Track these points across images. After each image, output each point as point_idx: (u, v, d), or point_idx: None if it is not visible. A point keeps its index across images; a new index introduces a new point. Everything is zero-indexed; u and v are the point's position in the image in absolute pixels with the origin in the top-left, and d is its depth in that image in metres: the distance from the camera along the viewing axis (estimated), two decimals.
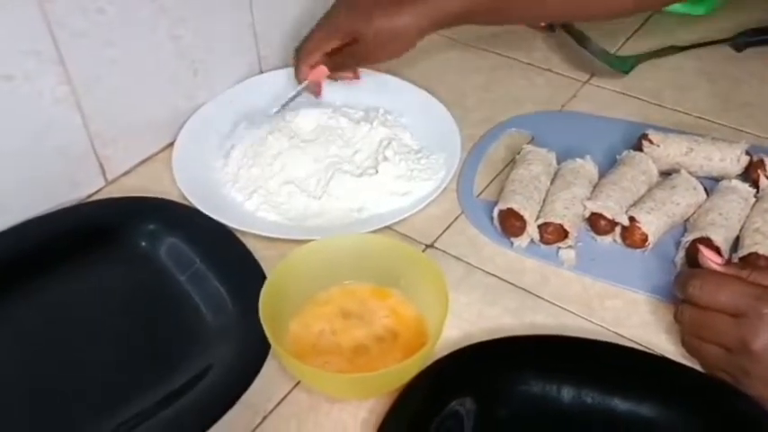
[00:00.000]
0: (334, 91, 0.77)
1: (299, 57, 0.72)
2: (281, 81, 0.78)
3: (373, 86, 0.77)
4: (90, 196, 0.68)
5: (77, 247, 0.60)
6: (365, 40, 0.67)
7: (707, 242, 0.57)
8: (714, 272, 0.51)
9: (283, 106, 0.73)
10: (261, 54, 0.79)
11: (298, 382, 0.52)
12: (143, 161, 0.71)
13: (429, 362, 0.49)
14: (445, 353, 0.51)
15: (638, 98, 0.79)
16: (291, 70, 0.80)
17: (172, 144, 0.71)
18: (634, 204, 0.62)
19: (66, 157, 0.65)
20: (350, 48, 0.70)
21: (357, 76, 0.75)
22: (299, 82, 0.74)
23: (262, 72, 0.80)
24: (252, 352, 0.52)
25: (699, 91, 0.79)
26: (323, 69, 0.72)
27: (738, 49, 0.84)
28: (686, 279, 0.51)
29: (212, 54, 0.73)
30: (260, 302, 0.50)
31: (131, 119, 0.69)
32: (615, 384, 0.50)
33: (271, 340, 0.48)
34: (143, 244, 0.61)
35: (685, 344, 0.52)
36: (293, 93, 0.74)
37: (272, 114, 0.73)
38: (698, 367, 0.52)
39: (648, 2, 0.73)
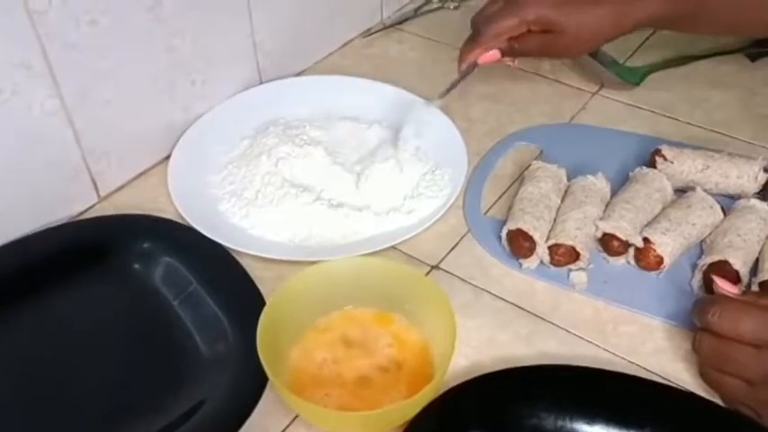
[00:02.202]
0: (335, 103, 0.75)
1: (479, 39, 0.65)
2: (280, 92, 0.76)
3: (376, 98, 0.75)
4: (82, 213, 0.65)
5: (66, 268, 0.57)
6: (564, 33, 0.63)
7: (725, 266, 0.55)
8: (735, 299, 0.49)
9: (448, 91, 0.68)
10: (260, 64, 0.77)
11: (297, 415, 0.50)
12: (138, 176, 0.69)
13: (436, 395, 0.47)
14: (453, 384, 0.49)
15: (650, 110, 0.76)
16: (291, 80, 0.79)
17: (168, 158, 0.69)
18: (648, 224, 0.59)
19: (57, 173, 0.62)
20: (537, 37, 0.64)
21: (516, 63, 0.69)
22: (468, 62, 0.66)
23: (261, 83, 0.77)
24: (248, 382, 0.49)
25: (712, 103, 0.77)
26: (496, 54, 0.66)
27: (753, 58, 0.82)
28: (705, 306, 0.49)
29: (210, 65, 0.71)
30: (258, 331, 0.47)
31: (125, 132, 0.66)
32: (631, 419, 0.47)
33: (269, 374, 0.45)
34: (135, 265, 0.58)
35: (704, 375, 0.50)
36: (459, 76, 0.68)
37: (435, 101, 0.69)
38: (718, 400, 0.49)
39: None
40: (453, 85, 0.68)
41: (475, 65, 0.67)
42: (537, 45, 0.65)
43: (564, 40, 0.64)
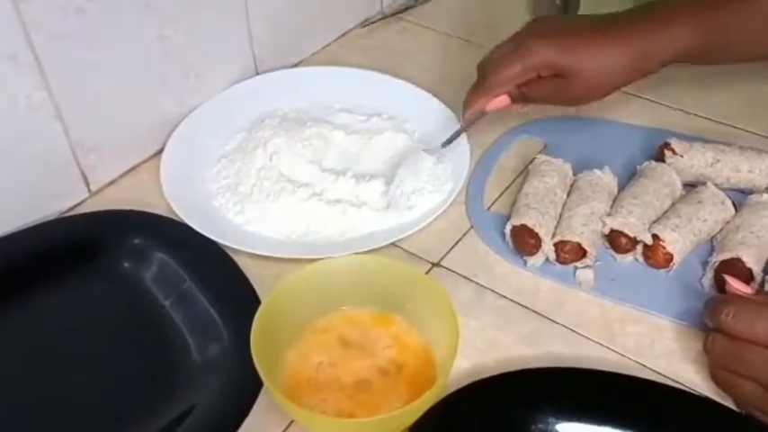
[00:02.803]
0: (332, 95, 0.72)
1: (487, 85, 0.60)
2: (277, 83, 0.74)
3: (376, 89, 0.73)
4: (73, 208, 0.63)
5: (55, 266, 0.55)
6: (577, 78, 0.58)
7: (737, 263, 0.53)
8: (749, 299, 0.47)
9: (451, 141, 0.64)
10: (256, 55, 0.74)
11: (293, 420, 0.48)
12: (130, 170, 0.67)
13: (437, 399, 0.45)
14: (454, 387, 0.47)
15: (657, 102, 0.74)
16: (288, 72, 0.77)
17: (161, 152, 0.66)
18: (657, 221, 0.57)
19: (45, 168, 0.60)
20: (548, 82, 0.59)
21: (527, 110, 0.64)
22: (473, 111, 0.62)
23: (258, 74, 0.75)
24: (243, 385, 0.47)
25: (722, 94, 0.74)
26: (505, 100, 0.61)
27: None
28: (717, 306, 0.47)
29: (205, 55, 0.69)
30: (252, 333, 0.45)
31: (116, 125, 0.64)
32: (640, 424, 0.45)
33: (263, 378, 0.43)
34: (125, 263, 0.56)
35: (716, 378, 0.48)
36: (464, 125, 0.63)
37: (437, 150, 0.64)
38: (730, 404, 0.48)
39: None
40: (457, 135, 0.64)
41: (483, 113, 0.62)
42: (548, 91, 0.60)
43: (577, 87, 0.58)
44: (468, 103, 0.62)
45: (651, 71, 0.59)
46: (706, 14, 0.57)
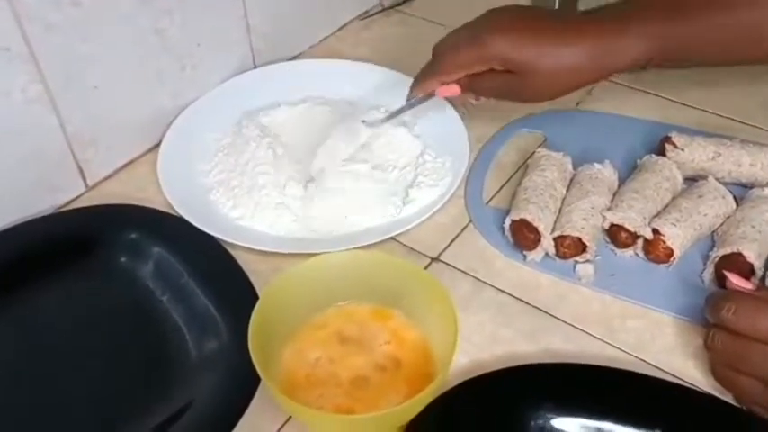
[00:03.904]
0: (328, 87, 0.72)
1: (437, 69, 0.60)
2: (274, 76, 0.73)
3: (374, 83, 0.72)
4: (69, 203, 0.63)
5: (51, 262, 0.55)
6: (531, 75, 0.56)
7: (738, 258, 0.53)
8: (750, 295, 0.47)
9: (391, 117, 0.63)
10: (254, 47, 0.74)
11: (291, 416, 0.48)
12: (127, 164, 0.66)
13: (436, 395, 0.45)
14: (453, 383, 0.46)
15: (659, 95, 0.73)
16: (286, 65, 0.76)
17: (158, 146, 0.66)
18: (657, 215, 0.57)
19: (41, 162, 0.60)
20: (500, 77, 0.58)
21: (479, 101, 0.63)
22: (423, 92, 0.61)
23: (255, 67, 0.75)
24: (241, 381, 0.47)
25: (725, 87, 0.74)
26: (455, 89, 0.60)
27: None
28: (719, 302, 0.46)
29: (201, 48, 0.68)
30: (249, 329, 0.45)
31: (113, 119, 0.64)
32: (641, 419, 0.45)
33: (261, 374, 0.43)
34: (122, 258, 0.56)
35: (717, 374, 0.48)
36: (408, 104, 0.62)
37: (366, 124, 0.64)
38: (730, 400, 0.47)
39: None
40: (399, 112, 0.63)
41: (430, 96, 0.62)
42: (499, 86, 0.59)
43: (530, 85, 0.57)
44: (417, 84, 0.61)
45: (607, 75, 0.59)
46: (668, 22, 0.56)
